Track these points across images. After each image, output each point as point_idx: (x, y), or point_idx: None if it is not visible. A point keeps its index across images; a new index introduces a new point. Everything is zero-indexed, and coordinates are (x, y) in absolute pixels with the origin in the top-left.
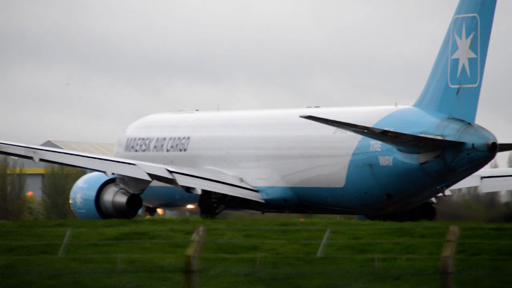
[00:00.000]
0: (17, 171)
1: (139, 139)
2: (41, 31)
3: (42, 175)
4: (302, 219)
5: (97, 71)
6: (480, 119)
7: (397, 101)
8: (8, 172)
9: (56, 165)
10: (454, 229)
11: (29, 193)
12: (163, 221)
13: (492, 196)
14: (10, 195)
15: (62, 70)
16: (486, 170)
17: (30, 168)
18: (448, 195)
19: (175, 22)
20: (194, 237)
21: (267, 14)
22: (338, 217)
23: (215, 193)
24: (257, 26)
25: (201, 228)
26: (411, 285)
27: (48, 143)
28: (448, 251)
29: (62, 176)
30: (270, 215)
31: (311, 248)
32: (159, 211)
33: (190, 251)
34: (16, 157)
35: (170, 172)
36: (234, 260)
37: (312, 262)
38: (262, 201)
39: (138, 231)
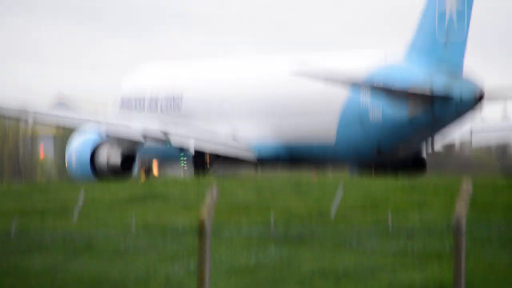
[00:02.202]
0: (30, 132)
1: (134, 98)
2: None
3: (54, 136)
4: (314, 177)
5: (90, 21)
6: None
7: (392, 43)
8: (20, 133)
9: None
10: (467, 186)
11: (41, 152)
12: (175, 182)
13: (504, 149)
14: (23, 156)
15: (54, 24)
16: (476, 123)
17: (43, 129)
18: (448, 148)
19: None
20: (208, 199)
21: None
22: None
23: (208, 151)
24: None
25: (214, 190)
26: (424, 242)
27: (59, 101)
28: (461, 208)
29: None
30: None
31: (324, 207)
32: (155, 170)
33: (203, 213)
34: (14, 119)
35: (164, 132)
36: (247, 220)
37: (325, 221)
38: (254, 158)
39: (151, 192)
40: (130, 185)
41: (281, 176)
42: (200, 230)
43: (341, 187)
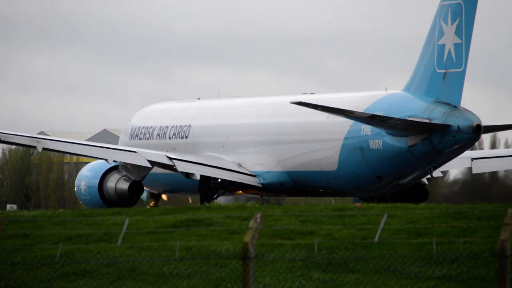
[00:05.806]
0: (74, 159)
1: (143, 127)
2: (44, 14)
3: None
4: (358, 204)
5: (106, 54)
6: (466, 101)
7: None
8: (65, 161)
9: None
10: (510, 211)
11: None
12: (219, 208)
13: None
14: (68, 183)
15: (68, 54)
16: (476, 151)
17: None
18: (438, 176)
19: (182, 5)
20: (252, 224)
21: None
22: (332, 200)
23: (214, 178)
24: (264, 10)
25: (258, 215)
26: (468, 268)
27: (104, 132)
28: (506, 234)
29: None
30: (326, 200)
31: (368, 233)
32: (164, 197)
33: (247, 237)
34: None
35: (170, 158)
36: (291, 245)
37: (368, 246)
38: (260, 185)
39: (195, 218)
40: (173, 211)
41: (323, 202)
42: (244, 253)
43: (386, 214)
